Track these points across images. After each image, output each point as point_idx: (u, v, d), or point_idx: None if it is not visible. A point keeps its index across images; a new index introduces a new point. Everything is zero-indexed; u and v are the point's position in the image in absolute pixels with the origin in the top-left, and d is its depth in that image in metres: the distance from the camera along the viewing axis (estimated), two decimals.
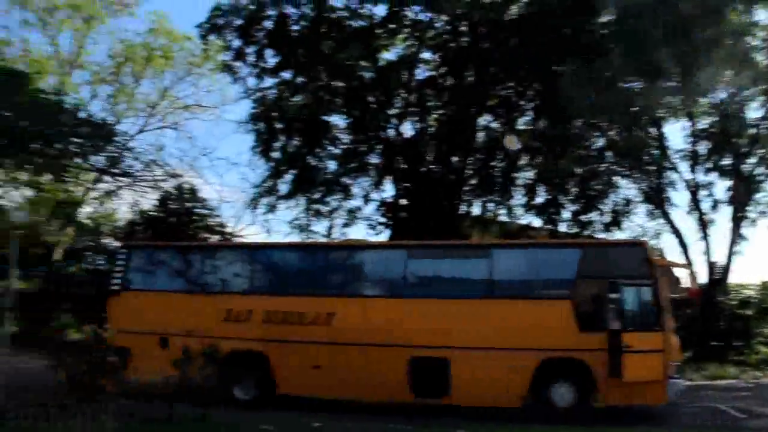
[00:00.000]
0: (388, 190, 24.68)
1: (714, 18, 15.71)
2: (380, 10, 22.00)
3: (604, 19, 19.01)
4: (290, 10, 22.26)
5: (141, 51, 30.00)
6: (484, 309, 11.90)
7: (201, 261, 14.02)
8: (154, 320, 13.21)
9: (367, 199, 24.27)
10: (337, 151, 24.52)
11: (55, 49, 29.35)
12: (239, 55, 23.32)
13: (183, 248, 15.33)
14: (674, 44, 15.67)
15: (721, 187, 20.11)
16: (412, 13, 22.05)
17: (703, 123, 20.50)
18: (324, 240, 23.52)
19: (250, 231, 39.27)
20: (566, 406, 11.26)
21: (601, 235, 21.63)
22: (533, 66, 20.57)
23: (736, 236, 19.70)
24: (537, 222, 23.23)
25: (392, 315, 12.31)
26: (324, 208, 24.23)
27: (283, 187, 24.16)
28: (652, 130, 20.78)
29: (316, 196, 24.21)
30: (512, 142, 21.09)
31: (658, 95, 17.26)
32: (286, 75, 23.63)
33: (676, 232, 20.67)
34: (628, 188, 22.07)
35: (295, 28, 22.80)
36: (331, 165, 24.48)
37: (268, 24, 22.94)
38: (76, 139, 15.11)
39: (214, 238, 28.03)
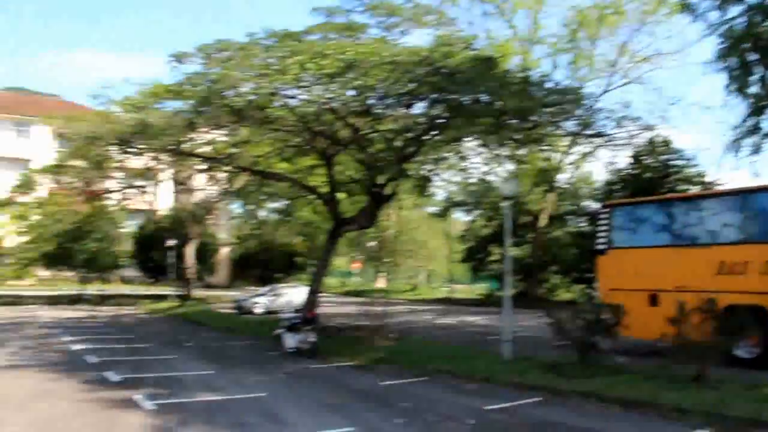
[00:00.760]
0: None
1: None
2: None
3: None
4: None
5: (593, 13, 32.34)
6: None
7: (686, 213, 14.96)
8: (642, 277, 14.90)
9: None
10: None
11: (513, 31, 34.65)
12: None
13: (665, 202, 16.56)
14: None
15: None
16: None
17: None
18: None
19: (734, 176, 36.60)
20: None
21: None
22: None
23: None
24: None
25: None
26: None
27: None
28: None
29: None
30: None
31: None
32: None
33: None
34: None
35: None
36: None
37: None
38: (547, 110, 18.03)
39: (694, 189, 27.49)
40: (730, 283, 13.16)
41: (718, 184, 28.30)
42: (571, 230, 38.46)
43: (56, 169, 33.55)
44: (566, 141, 25.41)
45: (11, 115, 56.45)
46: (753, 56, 23.31)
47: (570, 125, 19.00)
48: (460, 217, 51.25)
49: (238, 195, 40.09)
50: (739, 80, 23.12)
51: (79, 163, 31.74)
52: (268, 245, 55.55)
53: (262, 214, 48.71)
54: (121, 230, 41.62)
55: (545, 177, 33.96)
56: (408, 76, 15.70)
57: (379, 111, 18.37)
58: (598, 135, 18.91)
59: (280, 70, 16.31)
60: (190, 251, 36.15)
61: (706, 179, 29.59)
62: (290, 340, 16.68)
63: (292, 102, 18.64)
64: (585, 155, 32.90)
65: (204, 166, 31.66)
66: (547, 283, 37.15)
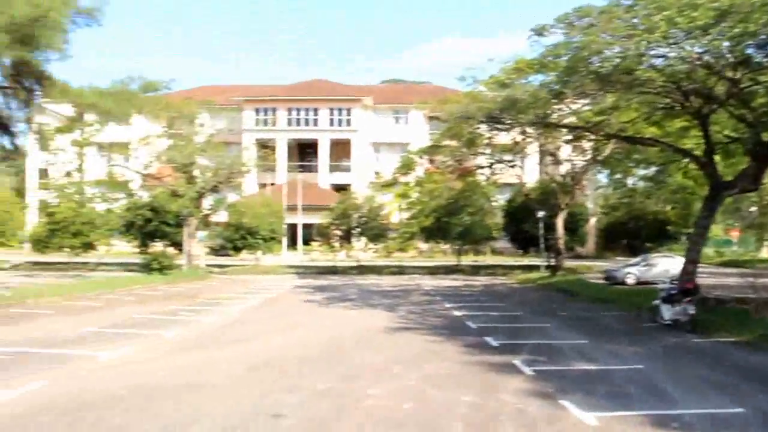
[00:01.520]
0: None
1: None
2: None
3: None
4: None
5: None
6: None
7: None
8: None
9: None
10: None
11: None
12: None
13: None
14: None
15: None
16: None
17: None
18: None
19: None
20: None
21: None
22: None
23: None
24: None
25: None
26: None
27: None
28: None
29: None
30: None
31: None
32: None
33: None
34: None
35: None
36: None
37: None
38: None
39: None
40: None
41: None
42: None
43: (431, 150, 39.74)
44: None
45: (390, 104, 66.39)
46: None
47: None
48: None
49: (605, 163, 41.32)
50: None
51: (451, 142, 37.14)
52: (638, 214, 56.03)
53: (630, 181, 49.37)
54: (492, 204, 46.73)
55: None
56: None
57: (762, 60, 17.68)
58: None
59: (647, 28, 16.61)
60: (559, 222, 38.84)
61: None
62: (667, 312, 17.22)
63: (661, 62, 19.58)
64: None
65: (570, 137, 34.07)
66: None
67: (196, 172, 40.09)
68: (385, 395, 9.61)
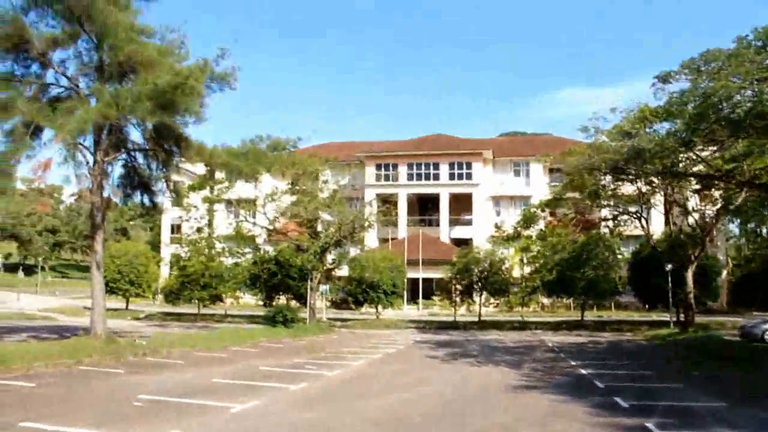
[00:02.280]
0: None
1: None
2: None
3: None
4: None
5: None
6: None
7: None
8: None
9: None
10: None
11: None
12: None
13: None
14: None
15: None
16: None
17: None
18: None
19: None
20: None
21: None
22: None
23: None
24: None
25: None
26: None
27: None
28: None
29: None
30: None
31: None
32: None
33: None
34: None
35: None
36: None
37: None
38: None
39: None
40: None
41: None
42: None
43: (553, 203, 39.28)
44: None
45: (510, 157, 66.10)
46: None
47: None
48: None
49: (737, 213, 39.30)
50: None
51: (574, 194, 36.58)
52: None
53: (765, 231, 46.51)
54: (617, 257, 45.26)
55: None
56: None
57: None
58: None
59: None
60: (688, 275, 36.92)
61: None
62: None
63: None
64: None
65: (699, 186, 32.76)
66: None
67: (320, 227, 41.31)
68: None
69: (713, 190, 33.81)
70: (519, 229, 40.51)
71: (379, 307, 45.78)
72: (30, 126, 20.82)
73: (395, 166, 65.90)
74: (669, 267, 37.02)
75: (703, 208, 39.86)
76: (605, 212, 41.12)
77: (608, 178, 31.43)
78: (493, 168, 66.22)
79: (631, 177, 30.40)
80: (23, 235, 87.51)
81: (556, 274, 42.32)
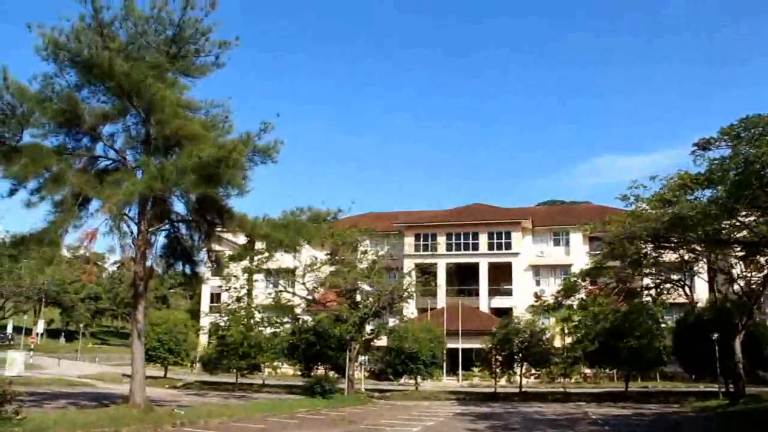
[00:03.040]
0: None
1: None
2: None
3: None
4: None
5: None
6: None
7: None
8: None
9: None
10: None
11: None
12: None
13: None
14: None
15: None
16: None
17: None
18: None
19: None
20: None
21: None
22: None
23: None
24: None
25: None
26: None
27: None
28: None
29: None
30: None
31: None
32: None
33: None
34: None
35: None
36: None
37: None
38: None
39: None
40: None
41: None
42: None
43: (594, 272, 38.84)
44: None
45: (549, 226, 65.85)
46: None
47: None
48: None
49: None
50: None
51: (615, 263, 36.15)
52: None
53: None
54: (661, 326, 44.21)
55: None
56: None
57: None
58: None
59: None
60: (736, 344, 35.77)
61: None
62: None
63: None
64: None
65: (743, 252, 32.10)
66: None
67: (359, 298, 41.26)
68: None
69: (759, 256, 32.99)
70: (559, 298, 39.91)
71: (419, 378, 45.14)
72: (78, 197, 21.48)
73: (434, 236, 65.96)
74: (715, 336, 35.98)
75: (748, 275, 38.87)
76: (647, 280, 40.33)
77: (650, 246, 30.99)
78: (532, 237, 65.89)
79: (673, 245, 29.96)
80: (66, 302, 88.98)
81: (598, 344, 41.41)
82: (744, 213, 24.16)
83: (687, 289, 39.27)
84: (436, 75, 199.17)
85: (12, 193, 21.99)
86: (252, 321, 46.66)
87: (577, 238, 63.83)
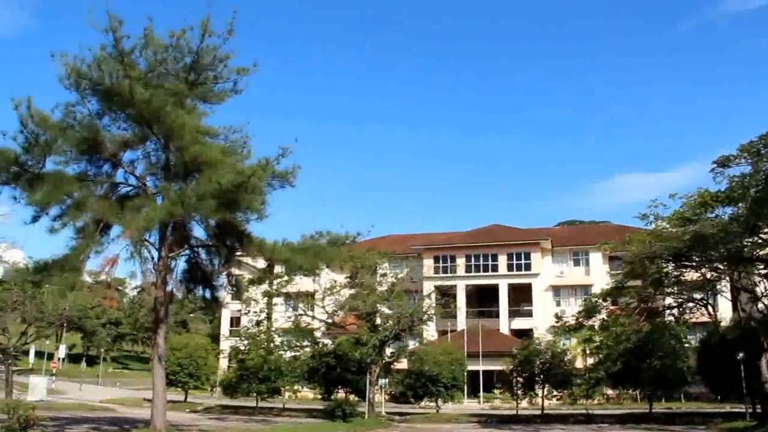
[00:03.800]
0: None
1: None
2: None
3: None
4: None
5: None
6: None
7: None
8: None
9: None
10: None
11: None
12: None
13: None
14: None
15: None
16: None
17: None
18: None
19: None
20: None
21: None
22: None
23: None
24: None
25: None
26: None
27: None
28: None
29: None
30: None
31: None
32: None
33: None
34: None
35: None
36: None
37: None
38: None
39: None
40: None
41: None
42: None
43: (615, 292, 38.53)
44: None
45: (568, 246, 65.71)
46: None
47: None
48: None
49: None
50: None
51: (636, 282, 35.85)
52: None
53: None
54: (684, 345, 43.65)
55: None
56: None
57: None
58: None
59: None
60: (763, 364, 35.26)
61: None
62: None
63: None
64: None
65: (767, 270, 31.65)
66: None
67: (378, 321, 41.16)
68: None
69: None
70: (580, 319, 39.56)
71: (439, 401, 44.79)
72: (100, 223, 21.72)
73: (453, 258, 65.85)
74: (740, 356, 35.39)
75: None
76: (669, 300, 39.90)
77: (671, 265, 30.71)
78: (552, 257, 65.59)
79: (694, 263, 29.66)
80: (88, 327, 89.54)
81: (621, 364, 40.88)
82: (766, 230, 23.91)
83: (710, 308, 38.79)
84: (455, 94, 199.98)
85: (35, 219, 22.26)
86: (272, 345, 46.67)
87: (597, 258, 63.43)
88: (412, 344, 48.16)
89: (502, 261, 64.75)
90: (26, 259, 38.21)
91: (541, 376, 42.95)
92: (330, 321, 43.48)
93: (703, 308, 38.69)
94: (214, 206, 19.98)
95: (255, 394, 45.69)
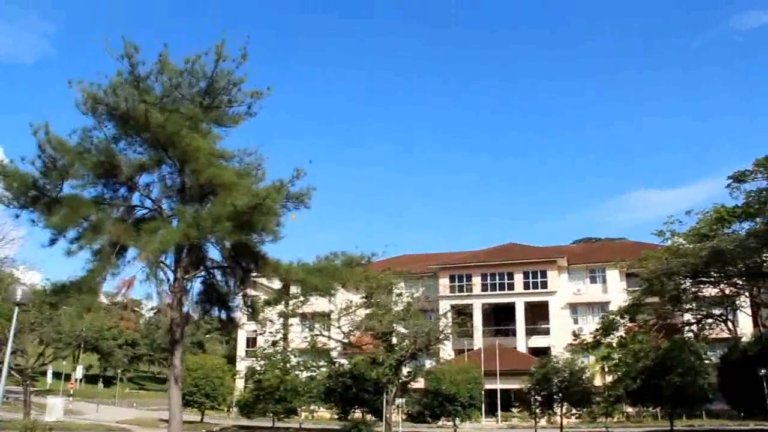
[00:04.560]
0: None
1: None
2: None
3: None
4: None
5: None
6: None
7: None
8: None
9: None
10: None
11: None
12: None
13: None
14: None
15: None
16: None
17: None
18: None
19: None
20: None
21: None
22: None
23: None
24: None
25: None
26: None
27: None
28: None
29: None
30: None
31: None
32: None
33: None
34: None
35: None
36: None
37: None
38: None
39: None
40: None
41: None
42: None
43: (632, 309, 38.31)
44: None
45: (584, 263, 65.48)
46: None
47: None
48: None
49: None
50: None
51: (653, 299, 35.62)
52: None
53: None
54: (704, 362, 43.24)
55: None
56: None
57: None
58: None
59: None
60: None
61: None
62: None
63: None
64: None
65: None
66: None
67: (395, 340, 41.09)
68: None
69: None
70: (598, 336, 39.30)
71: (457, 420, 44.57)
72: (116, 246, 21.89)
73: (469, 277, 65.73)
74: (762, 372, 35.00)
75: None
76: (688, 316, 39.63)
77: (688, 281, 30.50)
78: (568, 275, 65.30)
79: (713, 279, 29.44)
80: (104, 348, 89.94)
81: (640, 382, 40.52)
82: None
83: (730, 324, 38.47)
84: (466, 112, 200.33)
85: (53, 242, 22.49)
86: (288, 365, 46.69)
87: (613, 275, 63.07)
88: (428, 364, 48.00)
89: (518, 279, 64.56)
90: (44, 281, 38.66)
91: (560, 395, 42.63)
92: (346, 341, 43.47)
93: (722, 324, 38.38)
94: (229, 228, 20.12)
95: (271, 415, 45.67)
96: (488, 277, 65.41)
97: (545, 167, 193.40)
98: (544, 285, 63.81)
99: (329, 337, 44.60)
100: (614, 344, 41.71)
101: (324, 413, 51.92)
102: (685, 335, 40.50)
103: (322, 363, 47.25)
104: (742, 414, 45.51)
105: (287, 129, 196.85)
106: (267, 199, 19.79)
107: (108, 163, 22.12)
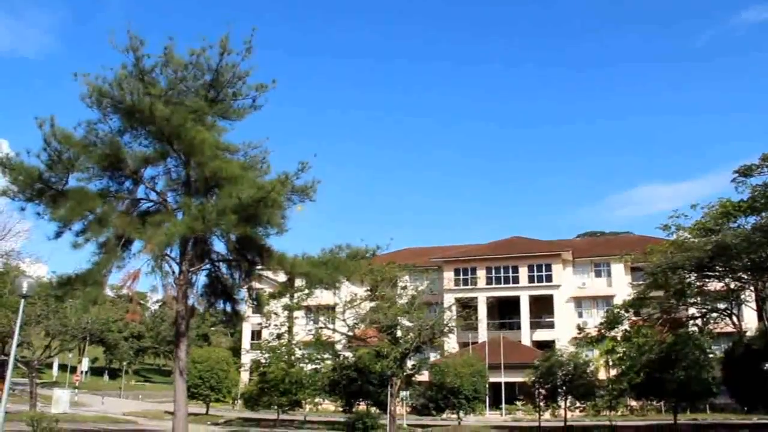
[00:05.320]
0: None
1: None
2: None
3: None
4: None
5: None
6: None
7: None
8: None
9: None
10: None
11: None
12: None
13: None
14: None
15: None
16: None
17: None
18: None
19: None
20: None
21: None
22: None
23: None
24: None
25: None
26: None
27: None
28: None
29: None
30: None
31: None
32: None
33: None
34: None
35: None
36: None
37: None
38: None
39: None
40: None
41: None
42: None
43: (637, 302, 38.23)
44: None
45: (589, 257, 65.52)
46: None
47: None
48: None
49: None
50: None
51: (658, 293, 35.57)
52: None
53: None
54: (709, 356, 43.19)
55: None
56: None
57: None
58: None
59: None
60: None
61: None
62: None
63: None
64: None
65: None
66: None
67: (399, 333, 41.15)
68: None
69: None
70: (602, 330, 39.27)
71: (461, 413, 44.68)
72: (121, 238, 21.97)
73: (473, 270, 65.77)
74: (766, 366, 34.95)
75: None
76: (693, 310, 39.54)
77: (693, 275, 30.46)
78: (573, 269, 65.29)
79: (717, 273, 29.41)
80: (110, 341, 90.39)
81: (644, 375, 40.48)
82: None
83: (734, 318, 38.40)
84: (472, 106, 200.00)
85: (58, 235, 22.57)
86: (293, 357, 46.84)
87: (618, 269, 63.05)
88: (433, 357, 48.12)
89: (523, 273, 64.58)
90: (50, 274, 38.83)
91: (564, 388, 42.62)
92: (351, 334, 43.53)
93: (727, 318, 38.32)
94: (234, 221, 20.15)
95: (276, 407, 45.85)
96: (493, 271, 65.45)
97: (551, 161, 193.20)
98: (549, 279, 63.82)
99: (334, 330, 44.69)
100: (618, 338, 41.64)
101: (328, 406, 52.14)
102: (689, 329, 40.43)
103: (326, 356, 47.40)
104: (746, 408, 45.46)
105: (293, 121, 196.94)
106: (272, 192, 19.82)
107: (113, 156, 22.17)
